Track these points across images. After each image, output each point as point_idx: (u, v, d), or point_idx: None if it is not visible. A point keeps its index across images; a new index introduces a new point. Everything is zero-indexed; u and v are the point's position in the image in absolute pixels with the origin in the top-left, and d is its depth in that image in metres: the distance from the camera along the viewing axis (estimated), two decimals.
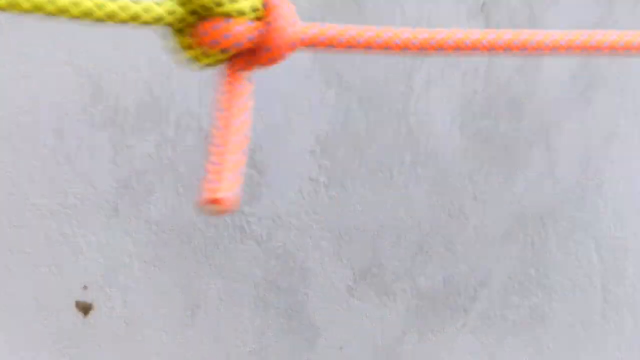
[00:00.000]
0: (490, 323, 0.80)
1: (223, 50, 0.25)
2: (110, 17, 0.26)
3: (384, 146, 0.70)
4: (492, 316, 0.80)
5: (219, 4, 0.24)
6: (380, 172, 0.71)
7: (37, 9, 0.26)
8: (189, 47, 0.26)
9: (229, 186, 0.24)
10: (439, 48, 0.27)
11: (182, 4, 0.25)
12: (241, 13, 0.24)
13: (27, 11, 0.27)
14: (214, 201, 0.24)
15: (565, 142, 0.75)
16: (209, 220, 0.68)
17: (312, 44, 0.25)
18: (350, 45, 0.26)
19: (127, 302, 0.69)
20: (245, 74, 0.26)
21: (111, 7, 0.26)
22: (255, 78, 0.67)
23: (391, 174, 0.71)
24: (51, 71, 0.61)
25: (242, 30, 0.24)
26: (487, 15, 0.69)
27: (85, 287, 0.68)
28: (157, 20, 0.25)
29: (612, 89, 0.76)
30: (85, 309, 0.68)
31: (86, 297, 0.68)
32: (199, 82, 0.64)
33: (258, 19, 0.25)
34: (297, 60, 0.66)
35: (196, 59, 0.26)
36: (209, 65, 0.26)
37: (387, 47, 0.26)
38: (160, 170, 0.66)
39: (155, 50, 0.63)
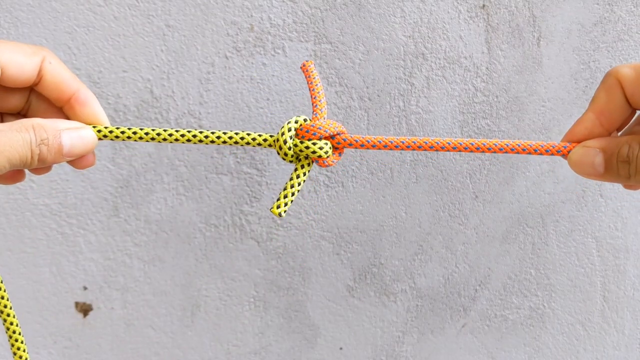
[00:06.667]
0: (490, 323, 0.80)
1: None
2: (237, 142, 0.42)
3: None
4: (492, 316, 0.80)
5: (315, 152, 0.42)
6: (380, 172, 0.71)
7: (180, 139, 0.42)
8: (284, 158, 0.43)
9: None
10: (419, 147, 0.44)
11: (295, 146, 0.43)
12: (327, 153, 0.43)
13: (163, 141, 0.42)
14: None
15: None
16: (209, 220, 0.68)
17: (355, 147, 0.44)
18: (371, 148, 0.43)
19: (127, 303, 0.69)
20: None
21: (237, 137, 0.42)
22: (256, 77, 0.66)
23: (391, 173, 0.71)
24: None
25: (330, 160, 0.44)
26: (487, 15, 0.69)
27: (85, 287, 0.68)
28: (265, 145, 0.42)
29: None
30: (84, 309, 0.68)
31: (86, 297, 0.68)
32: (199, 82, 0.64)
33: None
34: (298, 58, 0.66)
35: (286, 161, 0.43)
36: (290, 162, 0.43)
37: (394, 148, 0.43)
38: (160, 170, 0.66)
39: (156, 50, 0.63)
